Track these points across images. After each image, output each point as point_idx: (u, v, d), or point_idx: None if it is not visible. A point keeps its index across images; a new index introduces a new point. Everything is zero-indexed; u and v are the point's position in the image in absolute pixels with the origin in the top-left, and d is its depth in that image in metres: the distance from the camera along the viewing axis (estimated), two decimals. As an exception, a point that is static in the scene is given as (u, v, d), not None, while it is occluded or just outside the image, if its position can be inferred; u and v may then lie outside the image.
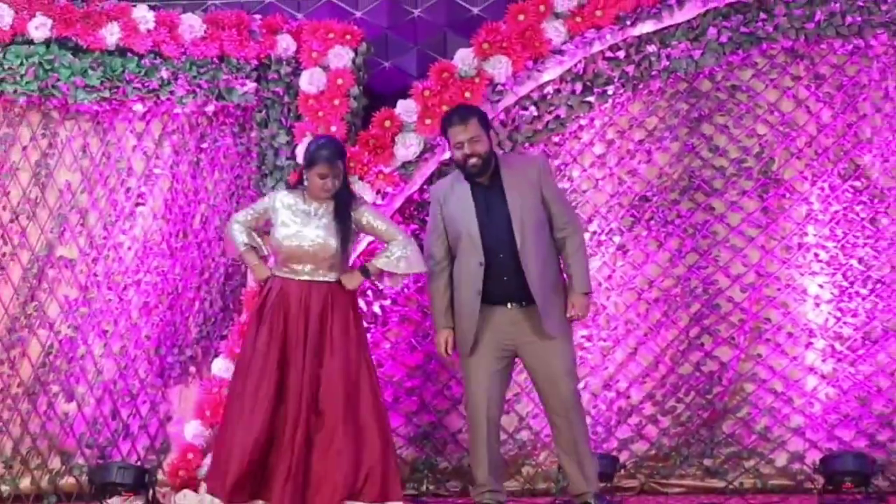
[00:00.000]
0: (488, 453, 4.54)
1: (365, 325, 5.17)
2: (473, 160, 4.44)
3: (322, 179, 4.47)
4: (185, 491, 5.12)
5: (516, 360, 4.63)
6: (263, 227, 4.74)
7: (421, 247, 4.94)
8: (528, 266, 4.43)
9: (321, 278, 4.50)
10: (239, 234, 4.67)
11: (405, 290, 5.51)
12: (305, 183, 4.59)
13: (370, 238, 4.92)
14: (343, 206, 4.59)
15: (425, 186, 5.46)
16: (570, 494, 4.58)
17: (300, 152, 4.96)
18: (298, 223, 4.55)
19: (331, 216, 4.58)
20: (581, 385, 5.29)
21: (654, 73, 5.48)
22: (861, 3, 5.34)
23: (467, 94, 5.21)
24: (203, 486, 4.72)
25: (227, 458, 4.48)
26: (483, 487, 4.53)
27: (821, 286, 5.38)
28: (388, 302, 5.47)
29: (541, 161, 4.86)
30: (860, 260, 5.37)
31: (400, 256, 4.61)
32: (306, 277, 4.50)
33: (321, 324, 4.49)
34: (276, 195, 4.73)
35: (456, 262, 4.58)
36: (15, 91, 5.42)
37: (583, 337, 5.55)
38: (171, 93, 5.51)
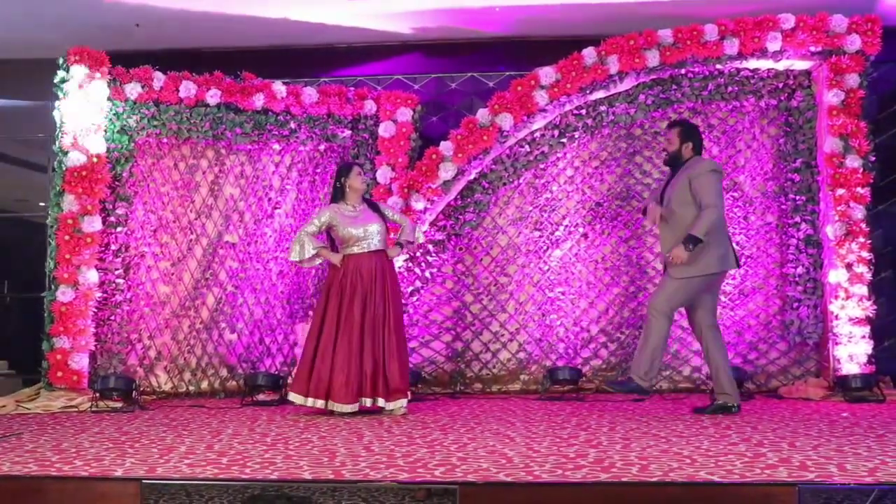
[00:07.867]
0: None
1: (419, 284, 6.57)
2: (665, 154, 5.36)
3: (360, 176, 5.51)
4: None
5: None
6: (326, 232, 5.47)
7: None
8: (665, 225, 5.19)
9: (376, 248, 5.44)
10: (308, 245, 5.40)
11: (445, 263, 6.70)
12: (347, 191, 5.42)
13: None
14: (373, 204, 5.60)
15: (458, 195, 6.62)
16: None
17: (340, 171, 5.56)
18: (353, 219, 5.42)
19: (368, 211, 5.46)
20: (557, 323, 6.50)
21: (604, 123, 6.70)
22: (738, 79, 6.61)
23: (485, 138, 6.32)
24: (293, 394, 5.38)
25: (311, 369, 5.27)
26: None
27: (712, 259, 6.48)
28: (434, 270, 6.69)
29: (700, 165, 5.20)
30: (737, 243, 6.54)
31: (411, 233, 5.62)
32: (369, 249, 5.40)
33: (382, 277, 5.41)
34: (327, 210, 5.46)
35: None
36: (198, 137, 6.57)
37: (559, 292, 6.61)
38: (297, 137, 6.66)
